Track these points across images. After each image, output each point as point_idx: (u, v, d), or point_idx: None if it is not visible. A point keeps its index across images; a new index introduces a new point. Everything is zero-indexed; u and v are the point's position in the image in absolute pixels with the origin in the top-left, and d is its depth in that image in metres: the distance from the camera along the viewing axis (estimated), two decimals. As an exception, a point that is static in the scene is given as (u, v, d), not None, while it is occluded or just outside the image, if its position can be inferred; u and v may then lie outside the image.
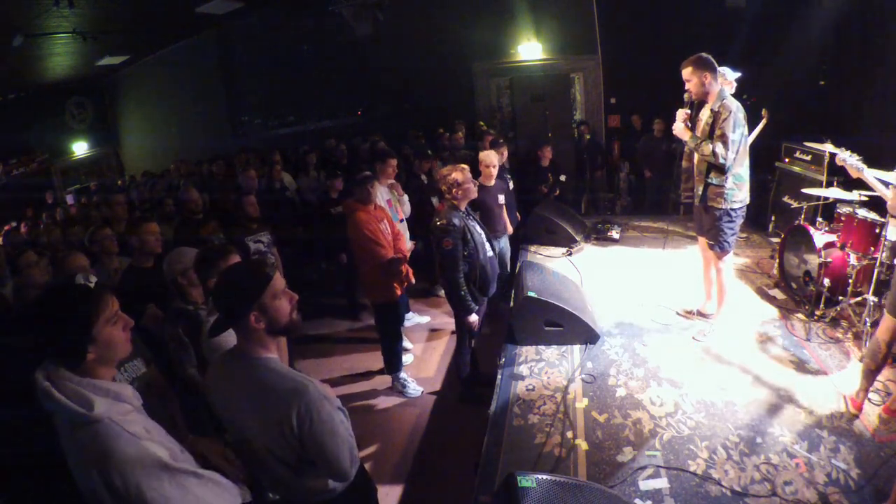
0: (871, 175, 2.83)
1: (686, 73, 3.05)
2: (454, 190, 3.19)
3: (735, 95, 3.46)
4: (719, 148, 2.95)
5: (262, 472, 1.64)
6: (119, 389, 1.35)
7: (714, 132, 3.00)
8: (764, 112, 4.39)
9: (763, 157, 5.12)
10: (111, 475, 1.21)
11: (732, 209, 3.11)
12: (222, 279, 1.59)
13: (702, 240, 3.44)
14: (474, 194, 3.32)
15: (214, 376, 1.64)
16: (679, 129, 3.20)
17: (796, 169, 4.80)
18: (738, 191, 3.09)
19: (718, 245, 3.20)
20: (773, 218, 4.90)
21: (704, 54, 3.02)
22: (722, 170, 3.04)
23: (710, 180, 3.11)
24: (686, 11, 6.52)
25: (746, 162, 3.12)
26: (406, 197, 4.68)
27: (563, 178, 5.75)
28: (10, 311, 2.94)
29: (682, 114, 3.19)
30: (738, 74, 3.77)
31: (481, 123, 7.49)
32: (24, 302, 2.89)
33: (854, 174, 2.90)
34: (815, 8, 5.65)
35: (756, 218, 5.25)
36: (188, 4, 7.71)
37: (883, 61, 4.85)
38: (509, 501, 1.64)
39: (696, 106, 3.19)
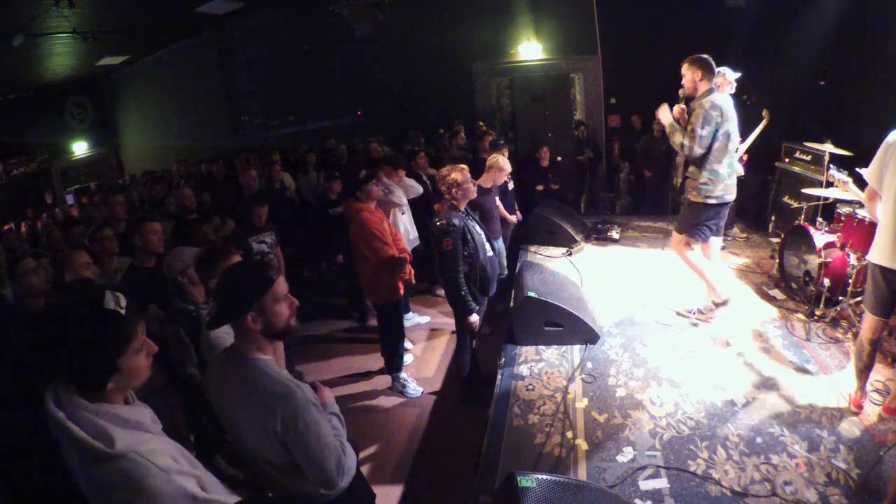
0: (856, 188, 2.96)
1: (683, 68, 3.21)
2: (454, 190, 3.19)
3: (735, 95, 3.51)
4: (686, 140, 3.11)
5: (256, 473, 1.64)
6: (138, 416, 1.27)
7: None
8: (765, 112, 4.39)
9: (763, 157, 5.13)
10: None
11: (706, 203, 3.24)
12: (226, 276, 1.59)
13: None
14: (474, 194, 3.33)
15: (212, 374, 1.64)
16: (662, 112, 3.31)
17: (796, 169, 4.80)
18: (712, 186, 3.21)
19: (689, 232, 3.32)
20: (773, 218, 4.90)
21: (704, 55, 3.13)
22: (698, 164, 3.20)
23: (687, 173, 3.30)
24: (686, 11, 6.53)
25: (728, 160, 3.20)
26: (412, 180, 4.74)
27: (559, 158, 5.81)
28: (11, 311, 2.92)
29: (677, 109, 3.32)
30: (738, 74, 3.79)
31: (481, 123, 7.49)
32: (27, 311, 2.83)
33: (843, 189, 3.04)
34: (815, 8, 5.65)
35: (756, 218, 5.25)
36: (188, 4, 7.73)
37: (883, 61, 4.85)
38: (509, 501, 1.64)
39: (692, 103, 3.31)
